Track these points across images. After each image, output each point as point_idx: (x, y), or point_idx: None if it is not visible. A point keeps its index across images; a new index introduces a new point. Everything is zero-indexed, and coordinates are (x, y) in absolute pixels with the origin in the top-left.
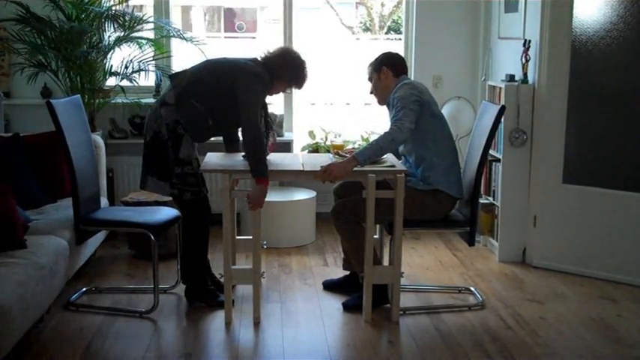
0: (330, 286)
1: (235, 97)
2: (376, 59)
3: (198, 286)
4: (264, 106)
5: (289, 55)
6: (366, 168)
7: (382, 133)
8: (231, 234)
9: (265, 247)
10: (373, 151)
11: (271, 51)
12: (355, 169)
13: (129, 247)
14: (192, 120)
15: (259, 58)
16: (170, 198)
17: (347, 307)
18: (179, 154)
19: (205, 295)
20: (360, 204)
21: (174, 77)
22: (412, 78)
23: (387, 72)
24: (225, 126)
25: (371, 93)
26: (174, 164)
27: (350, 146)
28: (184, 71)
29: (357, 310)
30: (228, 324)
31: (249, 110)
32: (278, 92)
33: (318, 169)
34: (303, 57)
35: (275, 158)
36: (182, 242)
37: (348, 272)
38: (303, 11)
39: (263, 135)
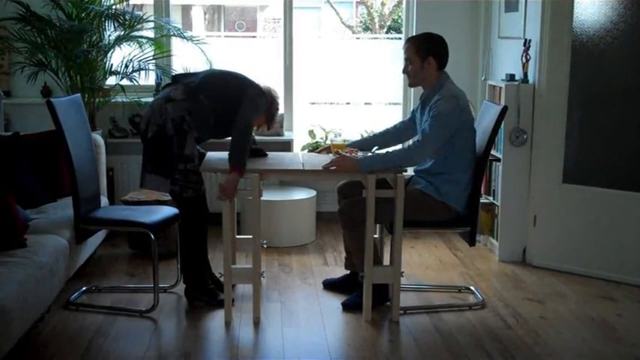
0: (330, 286)
1: (238, 104)
2: (423, 42)
3: (198, 286)
4: None
5: (274, 95)
6: None
7: (405, 146)
8: (231, 233)
9: (265, 246)
10: (383, 163)
11: (262, 86)
12: None
13: (129, 246)
14: (199, 114)
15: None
16: (170, 197)
17: (346, 307)
18: (184, 151)
19: (205, 294)
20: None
21: (182, 77)
22: None
23: (433, 63)
24: (224, 129)
25: (404, 72)
26: (178, 161)
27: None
28: (193, 73)
29: (356, 309)
30: (228, 323)
31: (248, 113)
32: (257, 124)
33: (319, 168)
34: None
35: (275, 157)
36: (181, 241)
37: (348, 271)
38: (303, 10)
39: (251, 136)
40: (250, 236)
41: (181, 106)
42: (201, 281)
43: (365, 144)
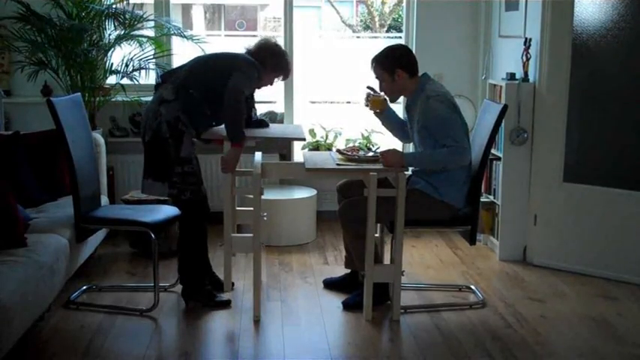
0: (331, 285)
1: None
2: (385, 57)
3: (195, 287)
4: (252, 95)
5: (271, 45)
6: (368, 166)
7: (445, 150)
8: (231, 203)
9: (266, 218)
10: (428, 164)
11: (253, 45)
12: (353, 167)
13: (129, 245)
14: (193, 110)
15: (245, 52)
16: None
17: (347, 306)
18: (181, 153)
19: (202, 295)
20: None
21: (170, 74)
22: None
23: (402, 74)
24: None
25: (381, 91)
26: (175, 163)
27: (350, 144)
28: (179, 68)
29: (357, 308)
30: (227, 289)
31: (237, 84)
32: (268, 83)
33: (320, 167)
34: (282, 46)
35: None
36: (180, 242)
37: (349, 270)
38: (303, 9)
39: (244, 104)
40: (251, 208)
41: (174, 107)
42: (199, 282)
43: (390, 117)
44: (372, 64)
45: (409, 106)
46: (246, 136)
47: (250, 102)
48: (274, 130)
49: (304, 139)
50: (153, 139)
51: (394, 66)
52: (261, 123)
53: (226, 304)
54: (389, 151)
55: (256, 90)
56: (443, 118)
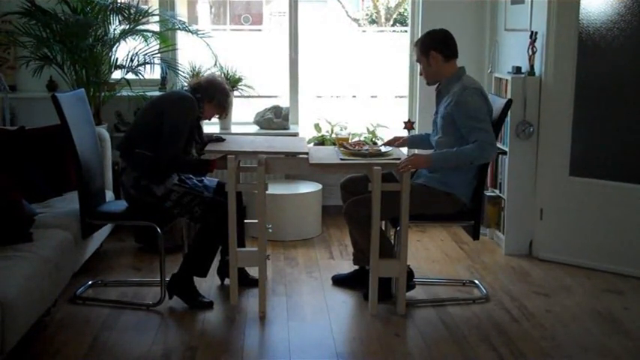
0: (340, 282)
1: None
2: (422, 40)
3: (185, 283)
4: (199, 126)
5: (220, 82)
6: (372, 160)
7: (471, 146)
8: (235, 216)
9: (271, 230)
10: (455, 160)
11: (199, 78)
12: (357, 161)
13: (135, 240)
14: (146, 169)
15: (186, 85)
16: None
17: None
18: (157, 194)
19: (188, 293)
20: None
21: (122, 141)
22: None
23: (437, 56)
24: (186, 144)
25: (420, 74)
26: (162, 203)
27: (356, 139)
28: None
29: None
30: (234, 306)
31: (171, 137)
32: (208, 117)
33: (325, 162)
34: (227, 85)
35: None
36: (197, 235)
37: (357, 267)
38: (308, 3)
39: (179, 158)
40: (256, 220)
41: (129, 174)
42: (191, 280)
43: (413, 140)
44: (413, 48)
45: (440, 91)
46: (209, 164)
47: (199, 130)
48: (276, 143)
49: (306, 154)
50: (132, 204)
51: (428, 48)
52: (218, 139)
53: (209, 306)
54: (415, 154)
55: (200, 119)
56: (475, 110)
